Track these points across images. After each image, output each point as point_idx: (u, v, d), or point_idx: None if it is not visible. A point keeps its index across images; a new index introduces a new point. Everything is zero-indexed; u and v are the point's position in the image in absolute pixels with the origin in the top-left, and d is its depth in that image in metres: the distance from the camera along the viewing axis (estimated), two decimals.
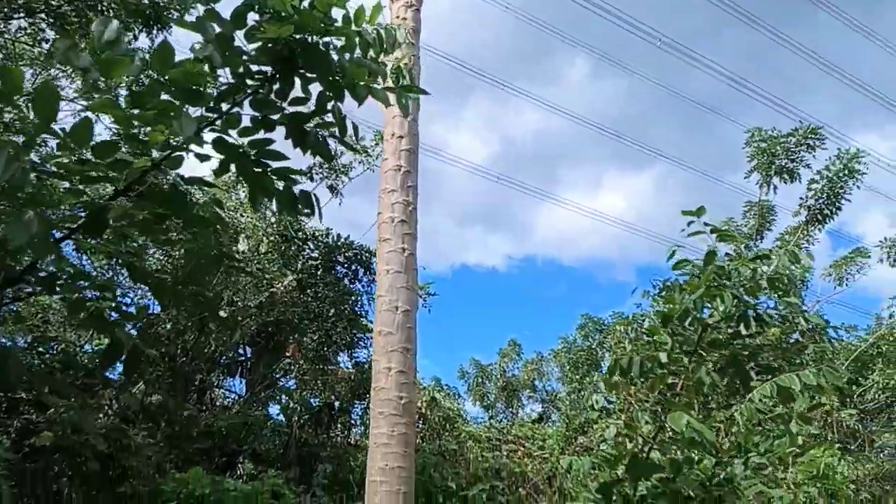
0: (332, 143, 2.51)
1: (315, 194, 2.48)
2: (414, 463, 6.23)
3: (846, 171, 18.75)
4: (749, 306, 4.49)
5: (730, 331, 4.50)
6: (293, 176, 2.43)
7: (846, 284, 20.47)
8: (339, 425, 14.59)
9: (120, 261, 4.07)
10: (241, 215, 12.48)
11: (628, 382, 4.60)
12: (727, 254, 4.38)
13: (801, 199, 19.14)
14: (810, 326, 14.02)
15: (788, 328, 12.15)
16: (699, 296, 4.18)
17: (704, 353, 4.60)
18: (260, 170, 2.41)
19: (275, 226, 11.40)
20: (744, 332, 4.57)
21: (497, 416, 23.68)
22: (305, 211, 2.42)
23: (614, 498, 3.65)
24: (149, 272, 2.96)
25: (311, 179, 12.03)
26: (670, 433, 4.12)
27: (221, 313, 11.18)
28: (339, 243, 12.37)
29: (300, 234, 12.10)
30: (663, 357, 4.48)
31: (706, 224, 4.36)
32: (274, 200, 2.43)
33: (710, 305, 4.59)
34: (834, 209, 19.03)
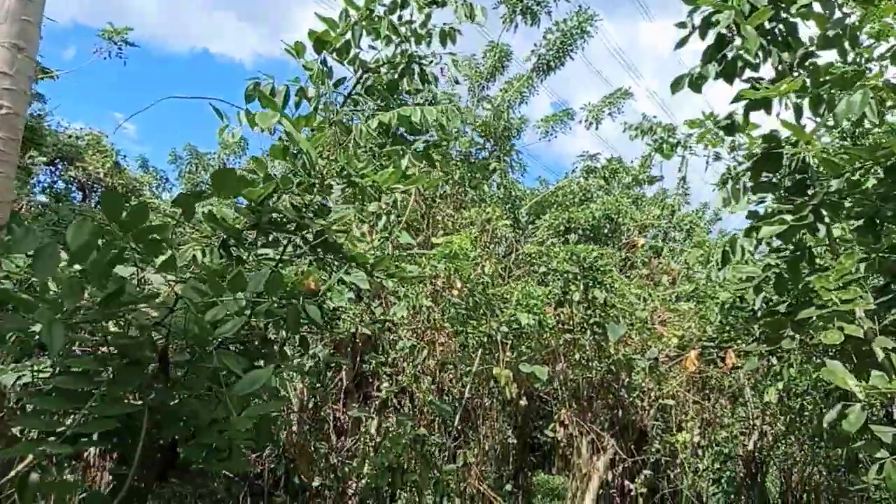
0: None
1: None
2: (13, 186, 5.04)
3: (579, 30, 20.29)
4: (414, 59, 4.17)
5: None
6: None
7: (549, 139, 23.10)
8: None
9: None
10: None
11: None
12: None
13: (534, 45, 20.36)
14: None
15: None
16: (357, 22, 3.65)
17: (364, 98, 4.23)
18: None
19: None
20: (406, 86, 4.27)
21: None
22: None
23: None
24: None
25: None
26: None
27: None
28: None
29: None
30: (311, 92, 3.96)
31: None
32: None
33: (375, 48, 4.16)
34: (559, 62, 20.72)
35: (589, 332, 8.56)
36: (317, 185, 2.99)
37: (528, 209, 20.41)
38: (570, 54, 20.90)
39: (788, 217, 2.89)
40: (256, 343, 3.48)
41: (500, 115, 18.63)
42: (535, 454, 13.70)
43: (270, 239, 3.40)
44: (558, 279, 8.18)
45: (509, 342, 6.42)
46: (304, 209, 3.10)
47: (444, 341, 5.83)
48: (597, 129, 22.64)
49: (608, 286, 8.13)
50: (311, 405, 8.18)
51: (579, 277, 8.15)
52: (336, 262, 3.23)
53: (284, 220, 3.07)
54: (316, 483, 7.09)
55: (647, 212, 19.59)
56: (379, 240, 6.11)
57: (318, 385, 8.19)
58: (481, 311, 6.28)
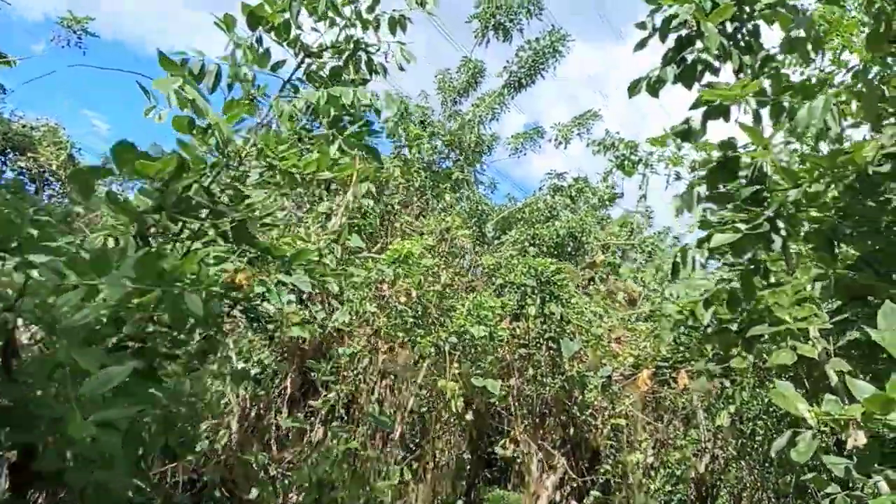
0: None
1: None
2: None
3: (551, 49, 20.40)
4: (360, 46, 3.90)
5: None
6: None
7: (519, 156, 23.12)
8: None
9: None
10: None
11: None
12: None
13: (507, 62, 20.41)
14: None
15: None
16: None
17: (308, 79, 3.93)
18: None
19: None
20: (351, 74, 3.99)
21: None
22: None
23: None
24: None
25: None
26: None
27: None
28: None
29: None
30: (245, 72, 3.66)
31: None
32: None
33: (319, 31, 3.87)
34: (530, 80, 20.78)
35: (544, 347, 8.35)
36: (232, 167, 2.69)
37: (495, 224, 20.27)
38: (541, 73, 21.04)
39: (742, 226, 2.71)
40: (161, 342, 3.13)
41: (472, 129, 18.55)
42: (493, 470, 13.39)
43: (186, 226, 3.07)
44: (515, 292, 7.96)
45: (457, 353, 6.13)
46: (219, 194, 2.79)
47: (387, 350, 5.51)
48: (565, 148, 22.71)
49: (564, 301, 7.93)
50: (253, 414, 7.75)
51: (536, 291, 7.95)
52: (250, 253, 2.91)
53: (196, 204, 2.75)
54: (252, 496, 6.67)
55: (610, 230, 19.57)
56: (325, 241, 5.80)
57: (261, 392, 7.77)
58: (430, 320, 5.99)
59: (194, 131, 2.57)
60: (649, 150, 8.15)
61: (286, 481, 6.53)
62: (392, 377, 5.89)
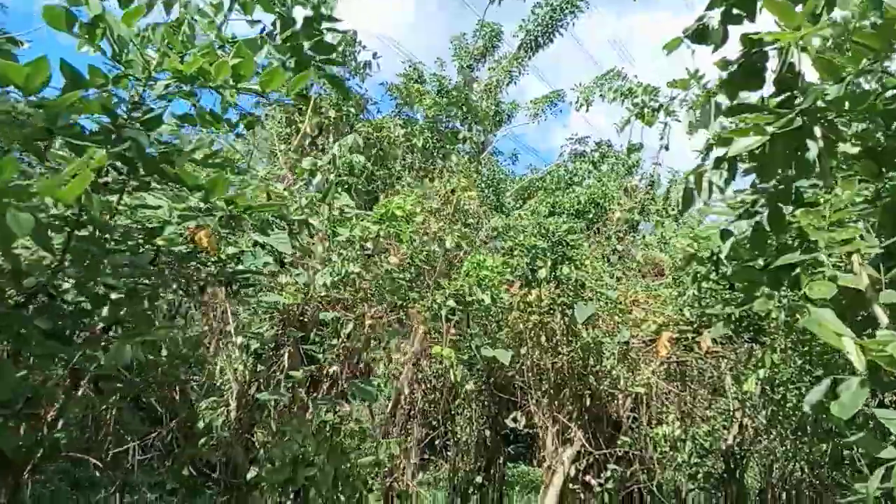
0: None
1: None
2: None
3: (568, 4, 19.48)
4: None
5: None
6: None
7: (538, 122, 22.37)
8: None
9: None
10: None
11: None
12: None
13: (523, 21, 19.58)
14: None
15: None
16: None
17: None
18: None
19: None
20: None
21: None
22: None
23: None
24: None
25: None
26: None
27: None
28: None
29: None
30: None
31: None
32: None
33: None
34: (548, 39, 19.92)
35: (558, 313, 7.81)
36: (134, 79, 2.20)
37: (515, 194, 19.62)
38: (559, 30, 20.21)
39: (770, 128, 2.12)
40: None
41: (491, 93, 17.86)
42: (518, 445, 12.97)
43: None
44: (525, 255, 7.39)
45: (454, 319, 5.63)
46: (127, 116, 2.32)
47: (378, 315, 5.05)
48: (587, 110, 21.86)
49: (578, 263, 7.35)
50: (252, 390, 7.43)
51: (548, 253, 7.38)
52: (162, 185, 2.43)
53: (100, 130, 2.29)
54: (251, 475, 6.32)
55: (630, 185, 18.66)
56: (307, 198, 5.32)
57: (260, 368, 7.44)
58: (426, 282, 5.50)
59: (78, 29, 2.08)
60: (671, 95, 7.46)
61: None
62: (385, 346, 5.45)
